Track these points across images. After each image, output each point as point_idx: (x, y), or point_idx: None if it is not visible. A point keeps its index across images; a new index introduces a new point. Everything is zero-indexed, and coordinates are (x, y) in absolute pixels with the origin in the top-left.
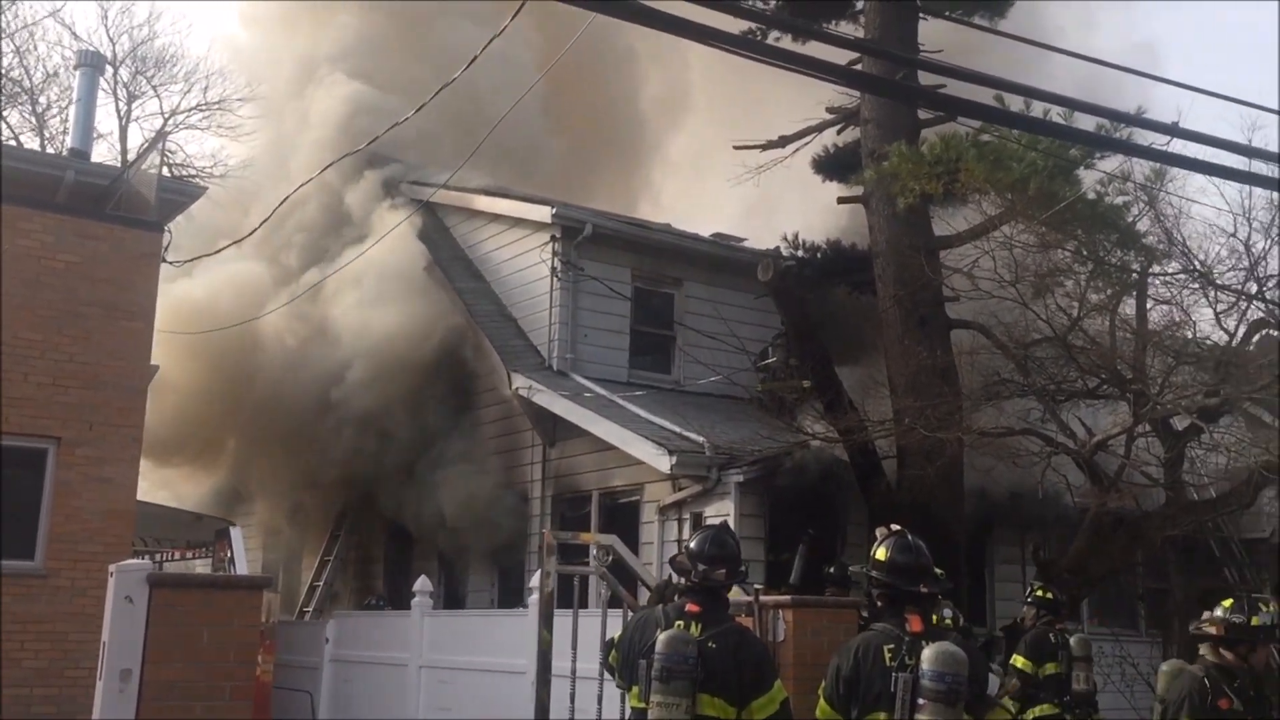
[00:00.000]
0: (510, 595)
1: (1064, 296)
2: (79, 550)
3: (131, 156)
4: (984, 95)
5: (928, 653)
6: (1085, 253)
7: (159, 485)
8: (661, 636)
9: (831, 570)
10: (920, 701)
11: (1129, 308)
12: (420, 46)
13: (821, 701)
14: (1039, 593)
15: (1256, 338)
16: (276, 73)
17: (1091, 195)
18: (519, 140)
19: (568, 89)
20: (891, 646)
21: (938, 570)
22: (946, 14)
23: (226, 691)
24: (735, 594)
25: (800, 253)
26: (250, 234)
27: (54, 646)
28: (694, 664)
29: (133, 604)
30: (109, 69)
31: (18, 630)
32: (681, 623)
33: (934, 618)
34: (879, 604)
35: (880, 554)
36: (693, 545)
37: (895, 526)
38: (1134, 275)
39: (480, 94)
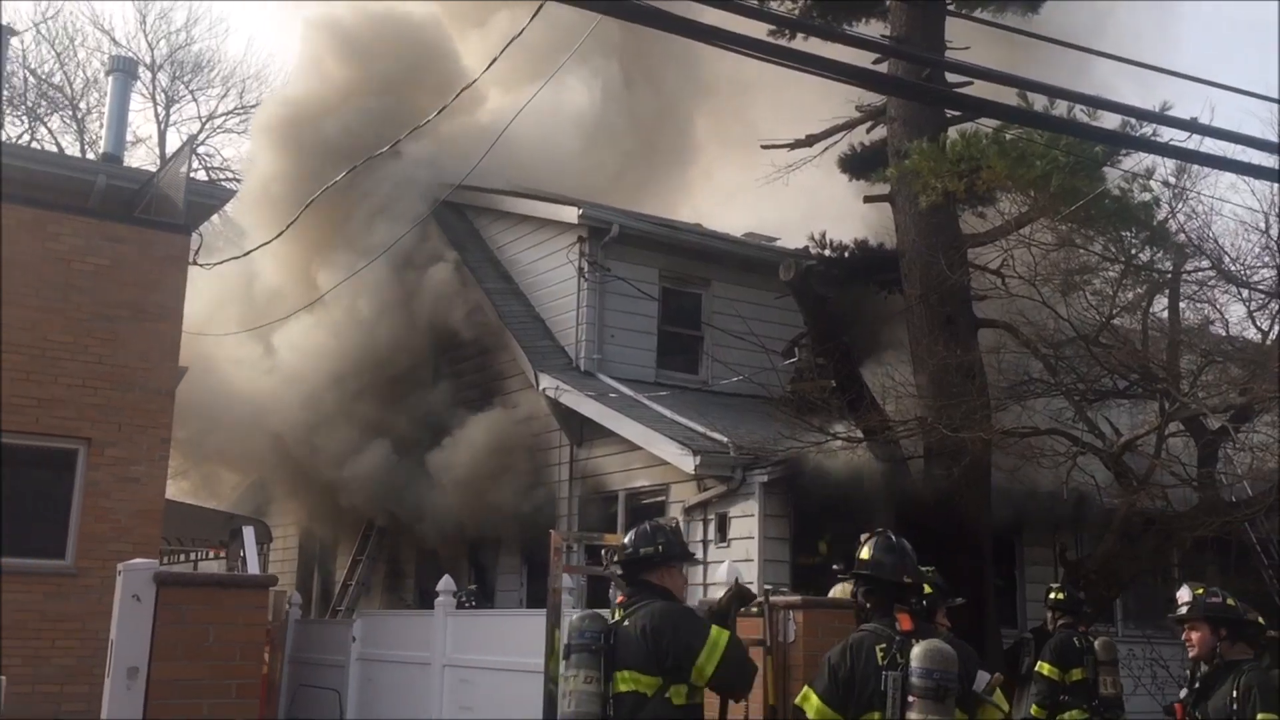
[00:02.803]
0: (539, 593)
1: (1093, 295)
2: (108, 549)
3: (168, 160)
4: (1010, 93)
5: (915, 650)
6: (1114, 250)
7: (199, 484)
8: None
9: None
10: (910, 699)
11: (1159, 306)
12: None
13: (816, 702)
14: (1053, 595)
15: None
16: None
17: (1117, 192)
18: (567, 144)
19: (616, 91)
20: (883, 646)
21: (926, 568)
22: (977, 13)
23: (233, 690)
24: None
25: (828, 252)
26: (276, 237)
27: (83, 644)
28: (591, 638)
29: (140, 602)
30: (148, 74)
31: (48, 628)
32: (618, 612)
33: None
34: (868, 605)
35: (864, 555)
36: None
37: (880, 529)
38: (1165, 274)
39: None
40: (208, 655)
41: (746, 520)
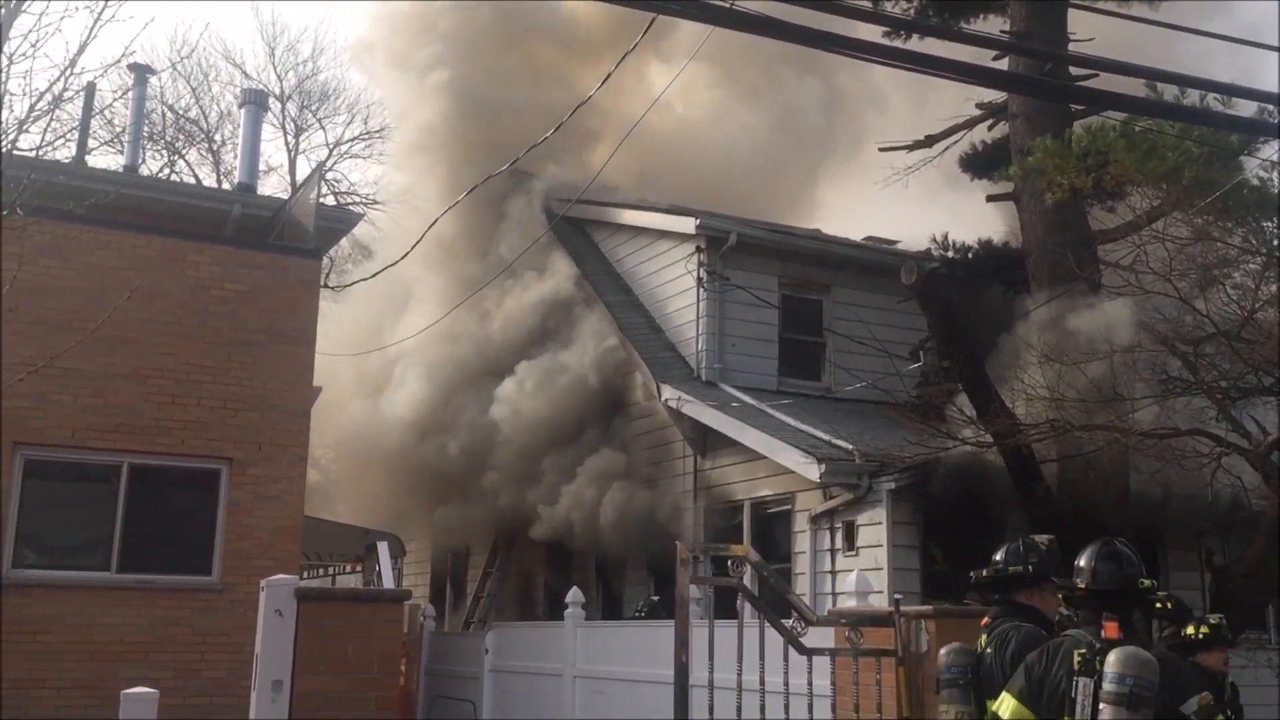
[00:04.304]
0: (666, 604)
1: (1234, 289)
2: (251, 565)
3: (298, 187)
4: (1137, 84)
5: (1111, 656)
6: (1254, 242)
7: (336, 500)
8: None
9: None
10: (1100, 706)
11: None
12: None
13: (1013, 702)
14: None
15: None
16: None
17: (1255, 182)
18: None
19: (741, 101)
20: (1082, 651)
21: (1145, 581)
22: (1100, 3)
23: (373, 701)
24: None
25: (950, 253)
26: (401, 259)
27: (231, 658)
28: (959, 673)
29: (282, 617)
30: (277, 105)
31: (198, 642)
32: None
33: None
34: (1077, 611)
35: (1080, 562)
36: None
37: (1107, 538)
38: None
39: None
40: (347, 668)
41: (874, 528)
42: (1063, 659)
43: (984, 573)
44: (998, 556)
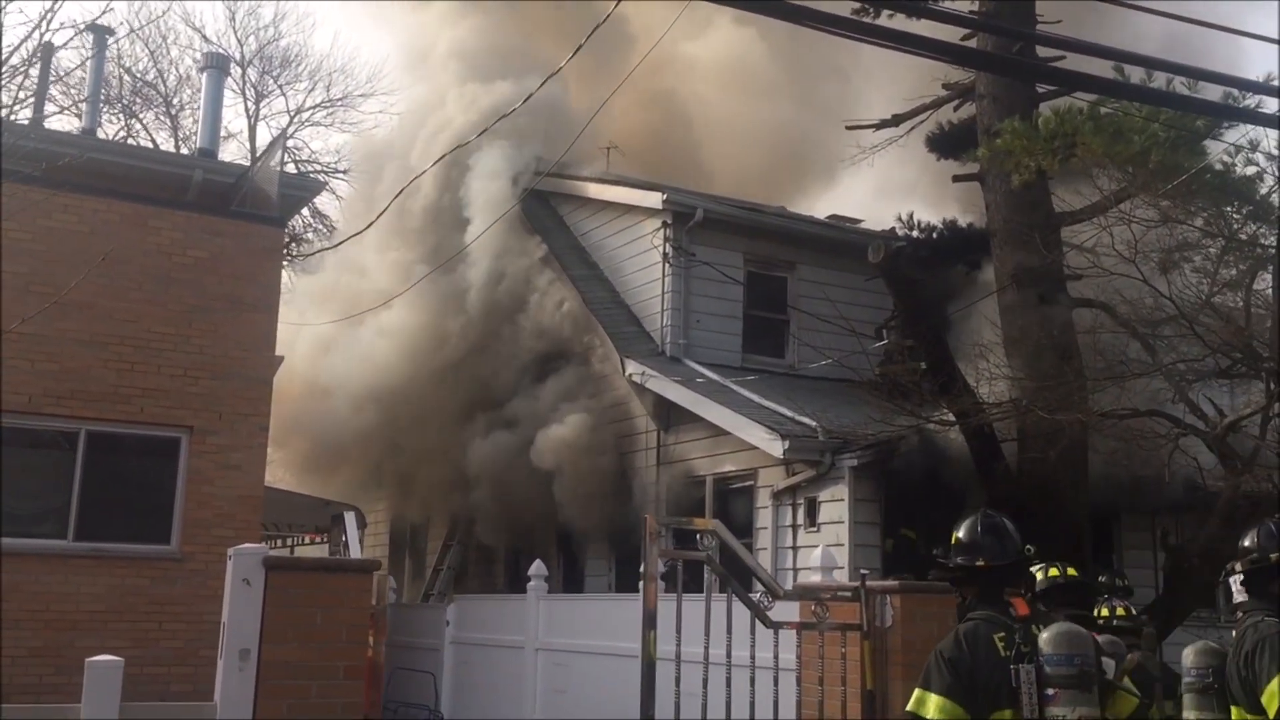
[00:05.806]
0: (628, 578)
1: (1194, 272)
2: (211, 534)
3: (260, 154)
4: (1103, 67)
5: (1047, 635)
6: (1216, 226)
7: (292, 470)
8: None
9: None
10: (1050, 692)
11: (1263, 283)
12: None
13: (938, 699)
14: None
15: None
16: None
17: (1219, 166)
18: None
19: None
20: (1001, 635)
21: (1028, 546)
22: None
23: (340, 671)
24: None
25: (915, 233)
26: (366, 228)
27: (189, 627)
28: (1199, 675)
29: (250, 586)
30: (237, 70)
31: (155, 611)
32: None
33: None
34: (967, 593)
35: (961, 535)
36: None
37: (981, 511)
38: (1270, 250)
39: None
40: (315, 637)
41: (836, 505)
42: (985, 647)
43: (1235, 566)
44: (1246, 543)
